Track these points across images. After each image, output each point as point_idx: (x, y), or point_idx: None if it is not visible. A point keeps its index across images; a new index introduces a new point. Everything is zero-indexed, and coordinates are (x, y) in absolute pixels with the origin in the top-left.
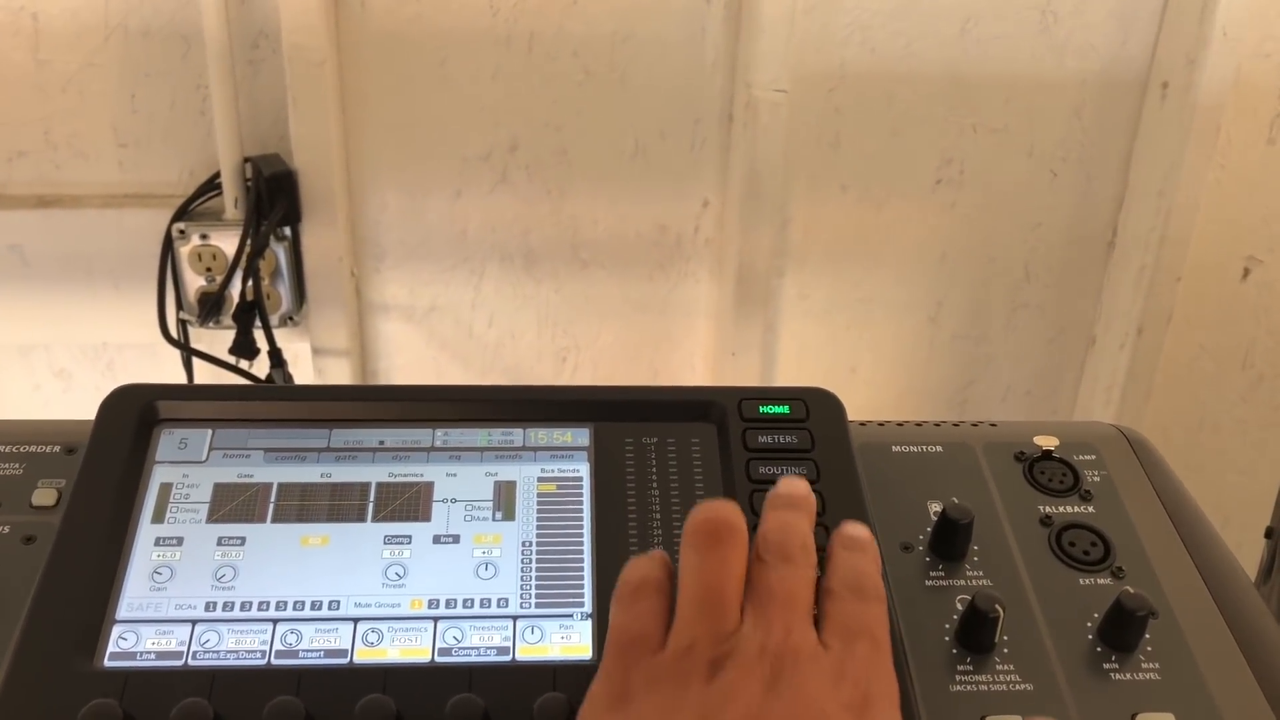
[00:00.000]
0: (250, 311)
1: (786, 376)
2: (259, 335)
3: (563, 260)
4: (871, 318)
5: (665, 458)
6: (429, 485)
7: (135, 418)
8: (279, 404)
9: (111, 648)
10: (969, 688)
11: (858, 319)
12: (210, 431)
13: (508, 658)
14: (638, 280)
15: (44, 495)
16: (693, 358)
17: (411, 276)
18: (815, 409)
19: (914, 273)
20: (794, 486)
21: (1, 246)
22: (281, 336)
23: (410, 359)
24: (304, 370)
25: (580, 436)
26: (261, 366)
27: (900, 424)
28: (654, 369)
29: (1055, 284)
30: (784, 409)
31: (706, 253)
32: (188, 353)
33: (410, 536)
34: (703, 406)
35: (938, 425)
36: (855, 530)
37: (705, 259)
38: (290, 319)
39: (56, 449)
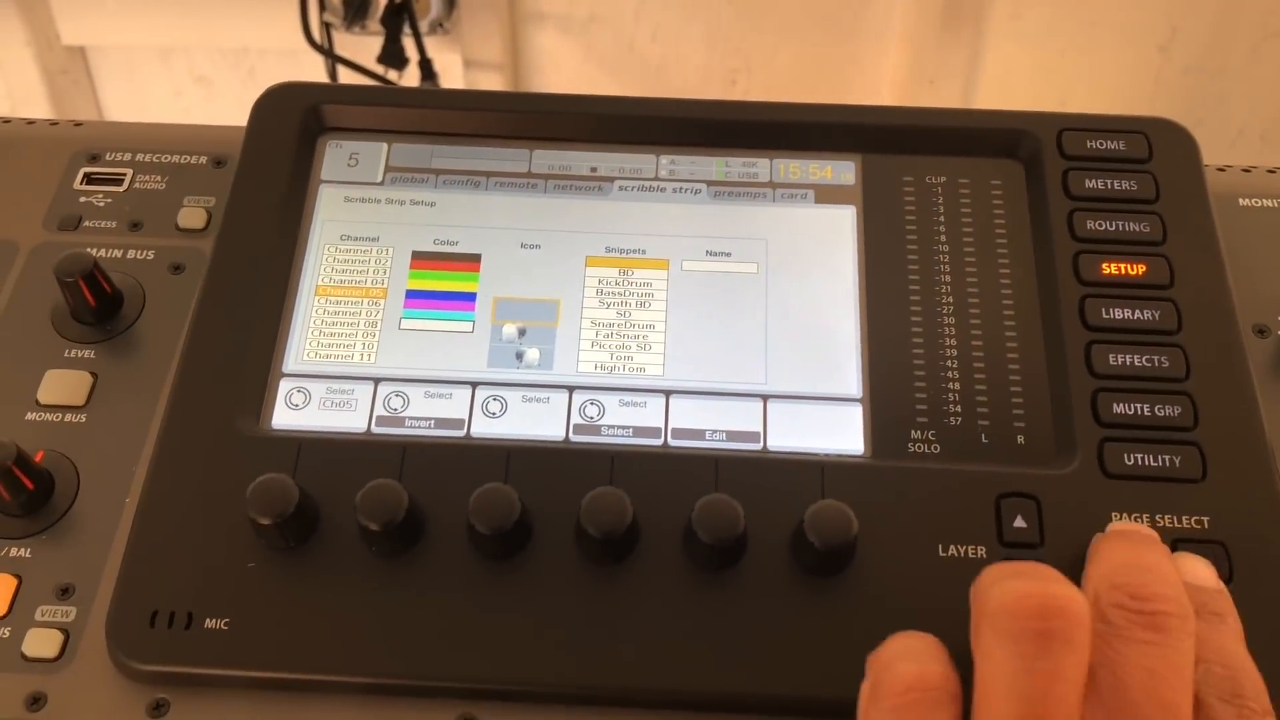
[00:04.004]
0: (399, 15)
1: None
2: (408, 44)
3: None
4: (1092, 43)
5: (956, 204)
6: (652, 226)
7: (296, 125)
8: (470, 114)
9: (279, 407)
10: None
11: (1076, 44)
12: (385, 145)
13: (757, 445)
14: None
15: (191, 216)
16: (880, 85)
17: None
18: (1160, 146)
19: None
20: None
21: None
22: (431, 45)
23: (567, 76)
24: (454, 85)
25: (844, 171)
26: (410, 79)
27: (1247, 170)
28: (836, 97)
29: None
30: (1119, 144)
31: None
32: (332, 59)
33: (631, 295)
34: (1009, 137)
35: None
36: (1200, 572)
37: None
38: (440, 26)
39: (203, 160)
